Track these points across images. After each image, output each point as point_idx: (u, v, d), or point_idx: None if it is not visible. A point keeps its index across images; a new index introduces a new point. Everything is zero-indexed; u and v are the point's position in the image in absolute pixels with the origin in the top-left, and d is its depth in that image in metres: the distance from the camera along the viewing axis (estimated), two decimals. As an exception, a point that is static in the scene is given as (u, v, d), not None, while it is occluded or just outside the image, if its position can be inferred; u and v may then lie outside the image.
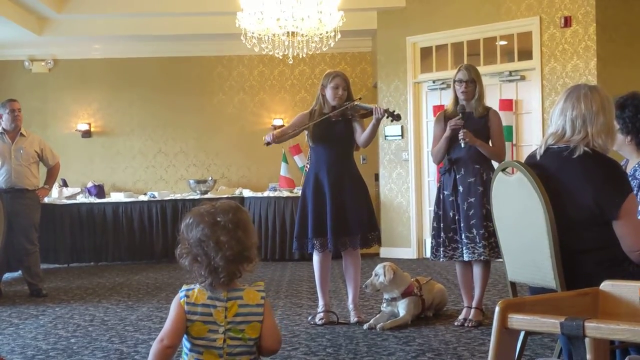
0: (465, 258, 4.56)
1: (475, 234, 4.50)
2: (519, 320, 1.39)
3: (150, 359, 1.98)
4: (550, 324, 1.33)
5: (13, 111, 6.28)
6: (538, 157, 2.78)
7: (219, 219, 1.99)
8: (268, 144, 4.82)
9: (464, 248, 4.55)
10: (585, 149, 2.66)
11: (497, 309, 1.43)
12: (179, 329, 1.95)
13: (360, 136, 4.80)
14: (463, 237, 4.55)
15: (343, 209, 4.68)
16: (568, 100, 2.72)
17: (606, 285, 1.71)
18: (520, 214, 2.76)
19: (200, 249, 1.96)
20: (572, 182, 2.66)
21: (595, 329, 1.27)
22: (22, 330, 4.79)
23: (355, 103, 4.79)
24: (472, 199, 4.54)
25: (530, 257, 2.71)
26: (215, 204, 2.07)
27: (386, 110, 4.66)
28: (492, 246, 4.49)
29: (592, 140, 2.68)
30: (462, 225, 4.56)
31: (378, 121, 4.64)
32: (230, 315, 1.93)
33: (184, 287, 2.02)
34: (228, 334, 1.92)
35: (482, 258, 4.50)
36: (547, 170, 2.70)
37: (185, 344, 1.99)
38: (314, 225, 4.68)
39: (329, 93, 4.74)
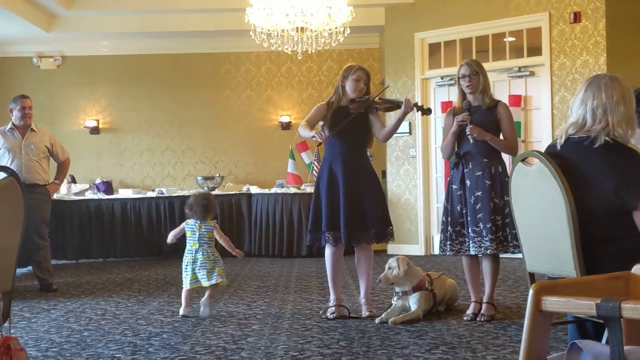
0: (472, 252, 4.55)
1: (482, 227, 4.49)
2: (553, 303, 1.38)
3: None
4: (586, 305, 1.32)
5: (24, 109, 6.28)
6: (558, 147, 2.77)
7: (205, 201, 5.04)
8: (320, 144, 4.76)
9: (471, 242, 4.53)
10: (606, 138, 2.66)
11: (530, 291, 1.42)
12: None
13: (381, 130, 4.80)
14: (470, 231, 4.54)
15: (358, 204, 4.66)
16: (589, 90, 2.72)
17: (638, 269, 1.71)
18: (540, 205, 2.75)
19: (196, 207, 4.96)
20: (593, 172, 2.65)
21: (632, 309, 1.27)
22: (35, 324, 4.79)
23: (377, 97, 4.79)
24: (480, 193, 4.53)
25: (550, 247, 2.70)
26: (196, 194, 5.23)
27: (415, 104, 4.66)
28: (499, 240, 4.48)
29: (613, 130, 2.68)
30: (469, 219, 4.55)
31: (405, 115, 4.63)
32: (201, 228, 4.89)
33: (187, 220, 5.00)
34: (200, 234, 4.86)
35: (488, 252, 4.48)
36: (568, 160, 2.69)
37: (186, 240, 4.88)
38: (328, 218, 4.65)
39: (349, 85, 4.71)
